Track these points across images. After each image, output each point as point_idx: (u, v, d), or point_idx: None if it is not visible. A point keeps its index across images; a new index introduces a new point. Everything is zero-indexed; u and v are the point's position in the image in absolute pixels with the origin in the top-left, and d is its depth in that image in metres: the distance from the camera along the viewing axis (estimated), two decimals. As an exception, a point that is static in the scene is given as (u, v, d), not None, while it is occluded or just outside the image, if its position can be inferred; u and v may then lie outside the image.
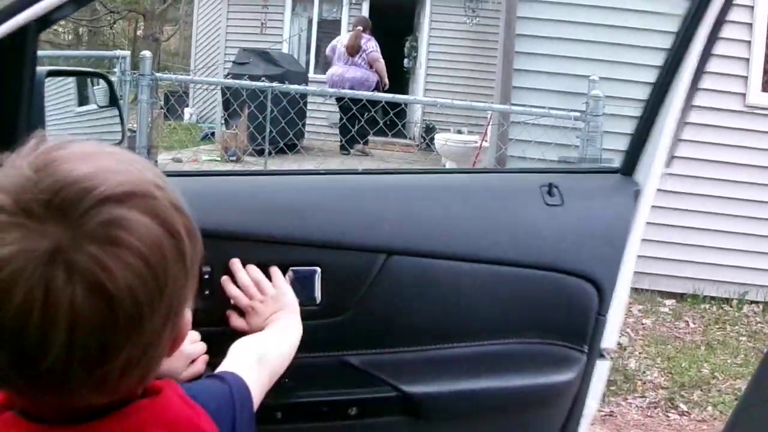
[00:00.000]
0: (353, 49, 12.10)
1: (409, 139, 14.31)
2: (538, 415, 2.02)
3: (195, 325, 1.72)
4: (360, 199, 1.94)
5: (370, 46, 12.17)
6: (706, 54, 2.00)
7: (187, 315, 1.03)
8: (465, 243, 1.91)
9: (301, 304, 1.76)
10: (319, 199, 1.92)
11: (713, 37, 1.98)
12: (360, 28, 12.33)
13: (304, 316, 1.75)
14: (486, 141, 9.89)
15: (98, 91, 2.32)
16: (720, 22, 1.96)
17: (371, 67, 12.17)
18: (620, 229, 2.02)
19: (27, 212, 0.86)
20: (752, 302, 7.02)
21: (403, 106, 13.42)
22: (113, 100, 2.24)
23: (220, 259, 1.74)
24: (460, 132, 12.40)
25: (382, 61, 12.32)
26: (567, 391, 1.99)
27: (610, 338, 2.05)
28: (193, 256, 0.97)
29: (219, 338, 1.62)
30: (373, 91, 11.26)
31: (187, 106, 16.33)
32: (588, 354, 2.00)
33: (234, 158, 10.87)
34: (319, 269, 1.81)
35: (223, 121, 12.22)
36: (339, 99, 10.73)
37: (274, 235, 1.81)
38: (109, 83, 2.32)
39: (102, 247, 0.86)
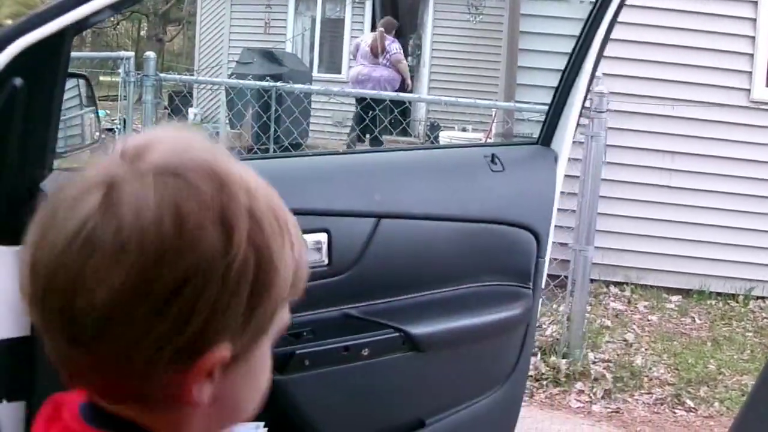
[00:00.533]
0: (377, 50, 12.37)
1: (414, 137, 14.31)
2: (503, 342, 2.42)
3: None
4: (354, 174, 2.30)
5: (394, 47, 12.54)
6: (605, 39, 2.47)
7: (221, 351, 0.83)
8: (436, 206, 2.29)
9: (312, 266, 1.96)
10: (321, 175, 2.24)
11: (610, 29, 2.45)
12: (382, 29, 12.52)
13: (316, 277, 1.97)
14: (490, 138, 9.88)
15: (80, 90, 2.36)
16: (616, 16, 2.42)
17: (394, 67, 12.44)
18: (548, 189, 2.49)
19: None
20: (758, 298, 7.01)
21: (407, 104, 13.43)
22: (91, 101, 2.29)
23: None
24: (464, 130, 12.39)
25: (405, 62, 12.77)
26: (521, 321, 2.42)
27: (543, 278, 2.54)
28: (246, 276, 0.82)
29: None
30: (397, 91, 11.66)
31: (191, 106, 16.34)
32: (533, 290, 2.45)
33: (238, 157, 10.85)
34: (326, 235, 2.06)
35: (227, 121, 12.21)
36: (361, 100, 10.78)
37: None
38: (88, 83, 2.36)
39: (140, 184, 0.80)
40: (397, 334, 2.14)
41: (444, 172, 2.45)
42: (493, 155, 2.43)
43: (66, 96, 2.36)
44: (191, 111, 16.15)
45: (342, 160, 2.57)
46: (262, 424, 2.09)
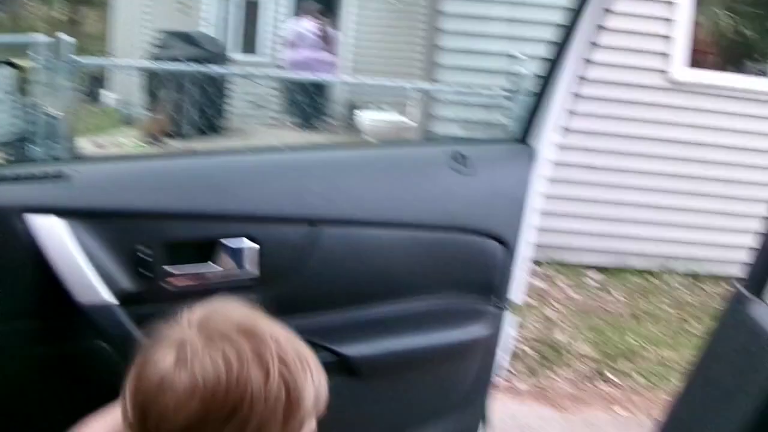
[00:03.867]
0: (322, 35, 13.10)
1: (334, 119, 14.25)
2: (459, 365, 2.17)
3: (137, 304, 1.77)
4: (285, 174, 2.02)
5: (332, 32, 13.35)
6: (594, 29, 2.19)
7: None
8: (384, 210, 2.05)
9: (234, 277, 1.87)
10: (246, 175, 1.99)
11: (601, 13, 2.16)
12: (321, 16, 13.27)
13: (241, 289, 1.86)
14: (411, 120, 9.90)
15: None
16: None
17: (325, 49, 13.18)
18: (521, 192, 2.22)
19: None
20: (676, 273, 7.15)
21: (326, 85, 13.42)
22: (19, 89, 2.22)
23: (158, 238, 1.81)
24: (384, 111, 12.40)
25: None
26: (483, 342, 2.18)
27: (516, 292, 2.24)
28: (280, 402, 1.19)
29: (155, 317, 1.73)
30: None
31: (108, 90, 16.05)
32: (499, 307, 2.20)
33: (156, 142, 10.73)
34: (250, 242, 1.88)
35: (144, 105, 12.04)
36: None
37: (207, 212, 1.87)
38: (18, 69, 2.30)
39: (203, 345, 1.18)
40: (330, 356, 1.96)
41: (397, 172, 2.16)
42: (458, 153, 2.17)
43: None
44: (107, 95, 15.87)
45: (274, 158, 2.20)
46: None
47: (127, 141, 11.28)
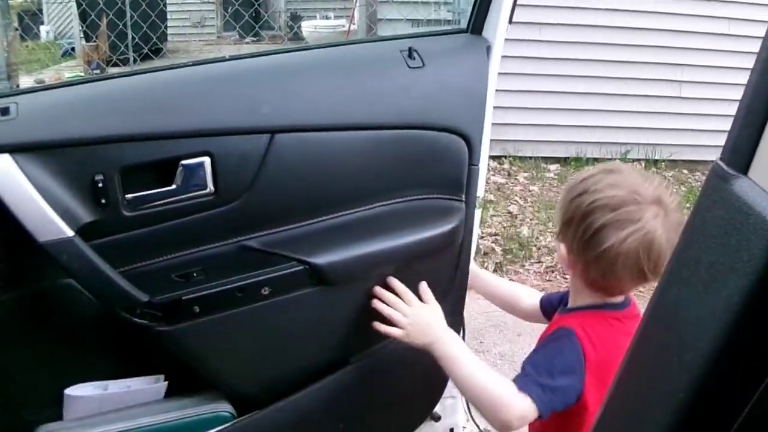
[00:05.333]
0: None
1: (277, 29, 14.04)
2: (430, 265, 2.14)
3: (100, 235, 1.75)
4: (236, 84, 1.97)
5: None
6: None
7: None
8: (341, 113, 1.99)
9: (195, 196, 1.84)
10: (196, 89, 1.93)
11: None
12: None
13: (201, 208, 1.85)
14: (354, 24, 9.79)
15: None
16: None
17: None
18: (479, 84, 2.15)
19: None
20: (635, 160, 7.17)
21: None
22: None
23: (112, 164, 1.75)
24: (327, 17, 12.28)
25: None
26: (453, 237, 2.14)
27: (481, 186, 2.25)
28: None
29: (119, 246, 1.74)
30: None
31: (43, 23, 15.70)
32: (466, 202, 2.17)
33: (98, 71, 10.52)
34: (208, 158, 1.83)
35: (82, 35, 11.78)
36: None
37: (160, 132, 1.80)
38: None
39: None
40: (301, 267, 1.92)
41: (349, 72, 2.09)
42: (410, 49, 2.09)
43: None
44: (43, 29, 15.52)
45: (221, 68, 2.10)
46: (162, 377, 1.96)
47: (71, 74, 11.04)
